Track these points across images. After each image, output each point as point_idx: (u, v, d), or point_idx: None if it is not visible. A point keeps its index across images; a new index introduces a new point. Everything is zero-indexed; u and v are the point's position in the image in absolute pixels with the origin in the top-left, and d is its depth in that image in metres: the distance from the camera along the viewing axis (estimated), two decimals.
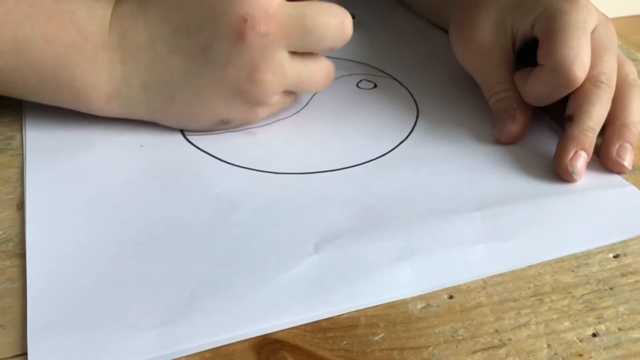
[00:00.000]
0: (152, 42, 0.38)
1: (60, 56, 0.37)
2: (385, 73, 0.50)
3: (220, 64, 0.37)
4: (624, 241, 0.35)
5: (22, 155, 0.39)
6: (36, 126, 0.41)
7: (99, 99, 0.39)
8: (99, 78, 0.38)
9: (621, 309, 0.31)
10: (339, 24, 0.38)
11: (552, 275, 0.33)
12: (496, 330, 0.30)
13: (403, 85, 0.48)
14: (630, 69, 0.42)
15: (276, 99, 0.40)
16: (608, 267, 0.33)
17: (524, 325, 0.30)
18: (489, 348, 0.29)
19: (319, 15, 0.37)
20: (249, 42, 0.36)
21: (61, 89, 0.39)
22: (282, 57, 0.38)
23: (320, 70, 0.41)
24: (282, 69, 0.38)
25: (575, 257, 0.34)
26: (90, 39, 0.38)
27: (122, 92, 0.39)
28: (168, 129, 0.42)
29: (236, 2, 0.36)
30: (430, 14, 0.58)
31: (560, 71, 0.39)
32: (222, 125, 0.41)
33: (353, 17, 0.55)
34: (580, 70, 0.38)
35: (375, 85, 0.48)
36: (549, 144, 0.41)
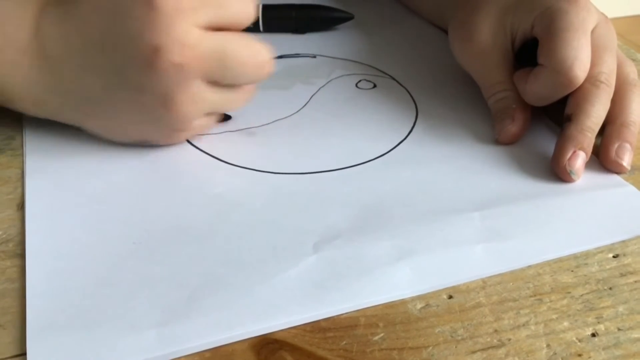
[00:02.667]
0: (69, 55, 0.36)
1: None
2: (385, 73, 0.50)
3: (134, 88, 0.35)
4: (624, 241, 0.35)
5: (22, 155, 0.39)
6: (36, 126, 0.41)
7: (26, 102, 0.38)
8: (22, 83, 0.37)
9: (620, 309, 0.31)
10: (259, 62, 0.37)
11: (552, 275, 0.33)
12: (495, 330, 0.30)
13: (402, 86, 0.48)
14: (631, 69, 0.42)
15: (197, 123, 0.38)
16: (607, 267, 0.33)
17: (523, 325, 0.30)
18: (488, 348, 0.29)
19: (239, 51, 0.36)
20: (162, 72, 0.34)
21: None
22: (200, 87, 0.36)
23: (241, 94, 0.39)
24: (200, 98, 0.36)
25: (574, 257, 0.34)
26: (12, 43, 0.36)
27: (45, 98, 0.38)
28: None
29: (150, 29, 0.33)
30: (430, 14, 0.58)
31: (561, 71, 0.39)
32: (147, 143, 0.39)
33: (351, 18, 0.55)
34: (580, 70, 0.38)
35: (375, 85, 0.48)
36: (548, 144, 0.41)
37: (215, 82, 0.37)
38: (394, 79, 0.49)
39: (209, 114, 0.39)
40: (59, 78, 0.37)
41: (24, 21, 0.37)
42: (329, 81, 0.48)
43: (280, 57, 0.52)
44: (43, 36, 0.36)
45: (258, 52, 0.37)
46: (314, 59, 0.51)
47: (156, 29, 0.33)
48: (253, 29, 0.54)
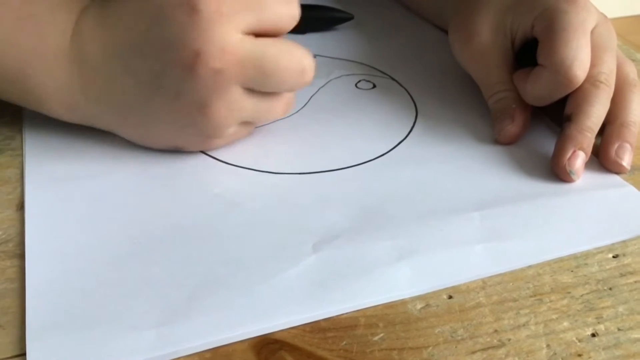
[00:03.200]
0: (107, 59, 0.36)
1: (22, 61, 0.36)
2: (384, 73, 0.50)
3: (172, 93, 0.35)
4: (623, 241, 0.35)
5: (22, 155, 0.39)
6: (36, 126, 0.41)
7: (59, 107, 0.38)
8: (57, 87, 0.37)
9: (620, 309, 0.31)
10: (300, 69, 0.36)
11: (552, 276, 0.33)
12: (495, 331, 0.30)
13: (402, 86, 0.48)
14: (630, 69, 0.42)
15: (231, 131, 0.38)
16: (607, 267, 0.33)
17: (524, 325, 0.30)
18: (488, 348, 0.29)
19: (279, 57, 0.35)
20: (201, 77, 0.34)
21: (26, 93, 0.38)
22: (237, 94, 0.36)
23: (279, 103, 0.39)
24: (237, 105, 0.36)
25: (574, 257, 0.34)
26: (50, 47, 0.36)
27: (81, 104, 0.37)
28: None
29: (191, 33, 0.33)
30: (430, 14, 0.58)
31: (561, 71, 0.39)
32: (178, 149, 0.39)
33: (351, 18, 0.55)
34: (580, 70, 0.38)
35: (374, 86, 0.48)
36: (548, 144, 0.41)
37: (254, 90, 0.36)
38: (393, 79, 0.49)
39: (244, 123, 0.39)
40: (96, 82, 0.37)
41: (64, 25, 0.37)
42: (329, 81, 0.48)
43: None
44: (82, 40, 0.36)
45: (299, 58, 0.36)
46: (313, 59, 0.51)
47: (197, 33, 0.33)
48: None
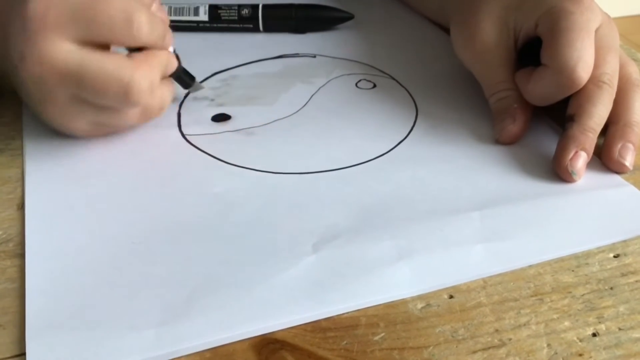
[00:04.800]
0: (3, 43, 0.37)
1: None
2: (385, 73, 0.50)
3: (24, 90, 0.37)
4: (624, 241, 0.35)
5: (22, 155, 0.39)
6: (36, 126, 0.41)
7: None
8: None
9: (621, 308, 0.31)
10: (121, 90, 0.36)
11: (552, 275, 0.33)
12: (496, 330, 0.30)
13: (402, 85, 0.48)
14: (633, 69, 0.42)
15: (83, 128, 0.38)
16: (608, 266, 0.33)
17: (524, 325, 0.30)
18: (489, 348, 0.29)
19: (98, 75, 0.35)
20: (27, 80, 0.35)
21: None
22: (67, 99, 0.36)
23: (120, 117, 0.38)
24: (71, 109, 0.37)
25: (575, 256, 0.34)
26: None
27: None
28: (168, 129, 0.42)
29: (18, 37, 0.35)
30: (432, 12, 0.58)
31: (564, 72, 0.39)
32: (100, 131, 0.39)
33: (351, 17, 0.55)
34: (584, 71, 0.38)
35: (375, 85, 0.48)
36: (549, 144, 0.41)
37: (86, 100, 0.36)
38: (394, 78, 0.49)
39: (96, 124, 0.39)
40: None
41: None
42: (329, 81, 0.48)
43: (280, 56, 0.51)
44: None
45: (121, 78, 0.35)
46: (314, 59, 0.51)
47: (22, 38, 0.35)
48: (253, 29, 0.55)
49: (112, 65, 0.35)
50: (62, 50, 0.35)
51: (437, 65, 0.51)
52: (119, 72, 0.35)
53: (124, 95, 0.36)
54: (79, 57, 0.35)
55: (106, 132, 0.40)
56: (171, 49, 0.41)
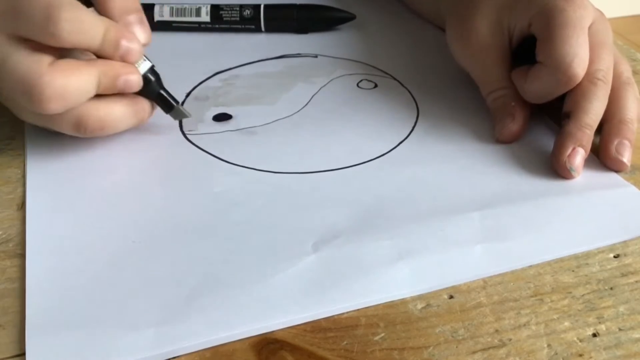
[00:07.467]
0: None
1: None
2: (386, 73, 0.50)
3: None
4: (624, 241, 0.35)
5: (22, 155, 0.39)
6: (36, 126, 0.41)
7: None
8: None
9: (621, 309, 0.31)
10: (26, 94, 0.34)
11: (552, 275, 0.33)
12: (496, 330, 0.30)
13: (403, 85, 0.48)
14: (625, 67, 0.42)
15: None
16: (608, 267, 0.33)
17: (524, 325, 0.30)
18: (489, 348, 0.29)
19: (9, 74, 0.34)
20: None
21: None
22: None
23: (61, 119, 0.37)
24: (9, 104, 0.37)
25: (575, 257, 0.34)
26: None
27: None
28: (167, 129, 0.42)
29: None
30: (428, 13, 0.58)
31: (560, 69, 0.39)
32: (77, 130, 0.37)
33: (353, 18, 0.55)
34: (579, 67, 0.38)
35: (376, 85, 0.48)
36: (548, 143, 0.41)
37: None
38: (395, 78, 0.49)
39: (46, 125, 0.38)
40: None
41: None
42: (330, 81, 0.48)
43: (281, 56, 0.52)
44: None
45: (25, 79, 0.34)
46: (315, 59, 0.51)
47: None
48: (255, 29, 0.55)
49: (24, 64, 0.34)
50: None
51: (439, 65, 0.51)
52: (27, 73, 0.34)
53: (29, 98, 0.34)
54: (4, 51, 0.34)
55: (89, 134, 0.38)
56: (145, 67, 0.38)
